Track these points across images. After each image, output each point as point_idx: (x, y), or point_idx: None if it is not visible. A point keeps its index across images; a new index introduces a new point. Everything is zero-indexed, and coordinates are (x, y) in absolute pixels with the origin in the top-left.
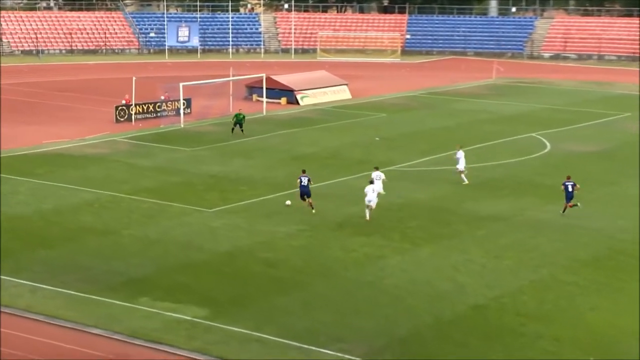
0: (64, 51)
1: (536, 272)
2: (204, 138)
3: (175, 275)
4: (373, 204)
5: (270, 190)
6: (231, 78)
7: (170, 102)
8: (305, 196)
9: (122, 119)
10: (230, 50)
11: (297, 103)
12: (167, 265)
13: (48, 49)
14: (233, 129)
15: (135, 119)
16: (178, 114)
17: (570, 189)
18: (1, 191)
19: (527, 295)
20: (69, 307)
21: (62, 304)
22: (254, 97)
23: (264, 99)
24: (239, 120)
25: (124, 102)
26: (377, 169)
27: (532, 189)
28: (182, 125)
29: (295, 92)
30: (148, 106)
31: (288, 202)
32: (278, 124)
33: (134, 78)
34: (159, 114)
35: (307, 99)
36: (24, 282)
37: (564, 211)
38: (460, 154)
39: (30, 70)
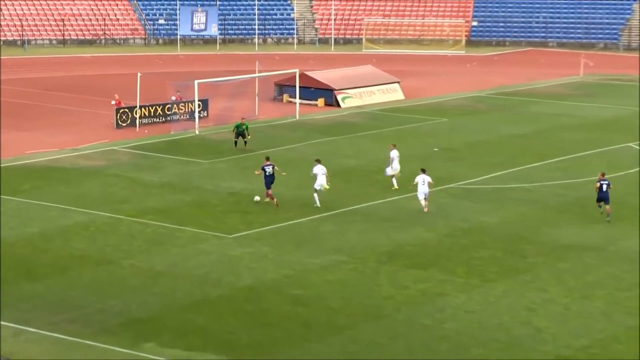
0: (54, 42)
1: (633, 316)
2: (223, 148)
3: (187, 315)
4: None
5: (303, 212)
6: (257, 74)
7: (182, 104)
8: (268, 186)
9: (124, 124)
10: (257, 40)
11: (338, 105)
12: (176, 303)
13: (35, 39)
14: (236, 142)
15: (140, 124)
16: (192, 118)
17: (604, 189)
18: None
19: (623, 344)
20: (58, 354)
21: (49, 350)
22: (285, 97)
23: (297, 100)
24: (240, 132)
25: (113, 102)
26: (424, 171)
27: (629, 213)
28: (196, 132)
29: (335, 92)
30: (156, 108)
31: (257, 198)
32: (314, 131)
33: (139, 74)
34: (168, 118)
35: (350, 100)
36: (6, 323)
37: (602, 213)
38: (394, 154)
39: (14, 65)
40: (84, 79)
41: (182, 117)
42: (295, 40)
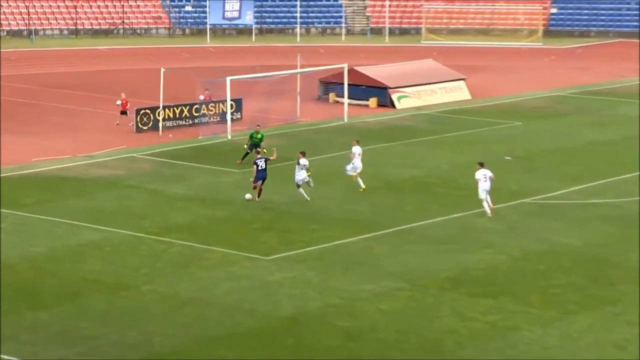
0: (65, 32)
1: None
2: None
3: (217, 349)
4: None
5: (352, 230)
6: (299, 70)
7: (212, 104)
8: (261, 182)
9: (145, 128)
10: (298, 30)
11: (392, 106)
12: (204, 335)
13: (44, 29)
14: (246, 154)
15: (164, 128)
16: (223, 120)
17: None
18: None
19: None
20: None
21: None
22: (331, 96)
23: (346, 100)
24: (255, 143)
25: (119, 102)
26: (482, 165)
27: None
28: (228, 137)
29: (390, 91)
30: (181, 109)
31: (248, 196)
32: (364, 135)
33: (162, 70)
34: (196, 121)
35: (407, 99)
36: (7, 357)
37: None
38: (357, 150)
39: (19, 59)
40: (99, 75)
41: (211, 119)
42: (344, 31)
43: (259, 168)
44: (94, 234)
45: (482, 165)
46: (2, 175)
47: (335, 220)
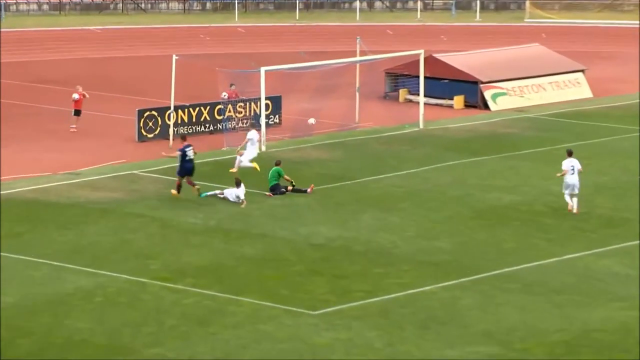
0: (45, 7)
1: None
2: (305, 172)
3: None
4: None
5: (430, 275)
6: (359, 59)
7: (240, 104)
8: (188, 175)
9: (150, 135)
10: (358, 4)
11: (485, 106)
12: None
13: (17, 3)
14: (277, 187)
15: (176, 136)
16: (256, 125)
17: None
18: None
19: None
20: None
21: None
22: (402, 94)
23: (422, 99)
24: (276, 183)
25: (76, 96)
26: (571, 154)
27: None
28: (263, 149)
29: (482, 86)
30: (199, 111)
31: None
32: (446, 147)
33: (174, 57)
34: (219, 126)
35: (505, 98)
36: None
37: None
38: (253, 135)
39: None
40: (89, 65)
41: (240, 124)
42: (419, 5)
43: (187, 158)
44: (83, 279)
45: (570, 154)
46: None
47: (407, 262)
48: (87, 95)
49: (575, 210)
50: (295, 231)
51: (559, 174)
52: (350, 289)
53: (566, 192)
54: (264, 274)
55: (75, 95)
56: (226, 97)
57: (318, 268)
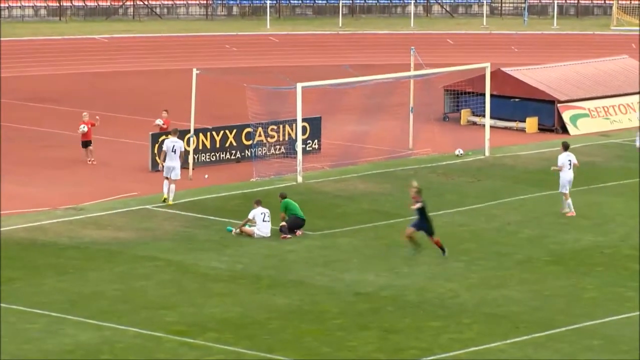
0: (43, 13)
1: None
2: (348, 208)
3: None
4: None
5: (498, 329)
6: (413, 73)
7: (273, 127)
8: None
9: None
10: (412, 9)
11: (564, 130)
12: None
13: (9, 7)
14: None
15: (197, 164)
16: (290, 153)
17: None
18: None
19: None
20: None
21: None
22: (464, 115)
23: (488, 121)
24: (292, 216)
25: (160, 122)
26: (567, 147)
27: None
28: (299, 179)
29: (560, 106)
30: (224, 135)
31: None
32: (517, 177)
33: (194, 71)
34: (247, 153)
35: (587, 121)
36: None
37: None
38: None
39: None
40: (96, 80)
41: (272, 151)
42: (485, 10)
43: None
44: (87, 333)
45: (567, 147)
46: None
47: (469, 314)
48: (98, 122)
49: (570, 213)
50: (338, 278)
51: (554, 168)
52: (402, 345)
53: (564, 190)
54: (301, 329)
55: (84, 128)
56: (161, 123)
57: (364, 321)
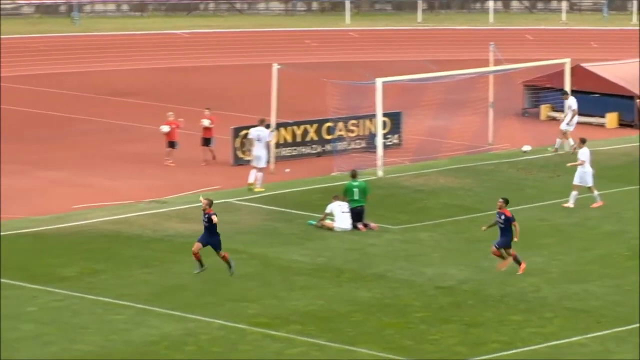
0: (125, 8)
1: None
2: (428, 202)
3: None
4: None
5: (579, 324)
6: (493, 69)
7: (353, 122)
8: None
9: (248, 157)
10: (491, 4)
11: None
12: None
13: (92, 3)
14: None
15: (278, 158)
16: (371, 146)
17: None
18: None
19: None
20: None
21: None
22: (544, 110)
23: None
24: (355, 203)
25: (207, 123)
26: (585, 142)
27: None
28: (379, 174)
29: None
30: (305, 130)
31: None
32: (597, 173)
33: (274, 67)
34: (327, 147)
35: None
36: None
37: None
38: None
39: (54, 49)
40: (177, 75)
41: (352, 145)
42: (565, 5)
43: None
44: (171, 324)
45: (584, 142)
46: (26, 231)
47: (551, 308)
48: (182, 124)
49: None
50: (419, 272)
51: (571, 165)
52: (484, 339)
53: (579, 183)
54: (383, 322)
55: (165, 128)
56: (208, 123)
57: (446, 315)
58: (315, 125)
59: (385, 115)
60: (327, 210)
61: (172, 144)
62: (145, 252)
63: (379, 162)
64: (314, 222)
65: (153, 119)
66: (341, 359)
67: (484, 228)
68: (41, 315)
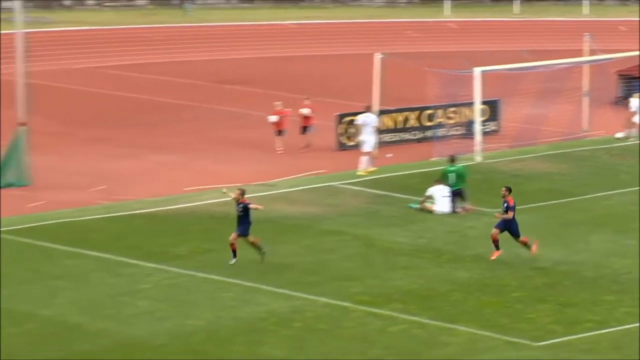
0: (234, 0)
1: None
2: (525, 186)
3: None
4: None
5: None
6: (587, 58)
7: (453, 109)
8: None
9: (351, 143)
10: None
11: None
12: None
13: None
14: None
15: (380, 142)
16: (468, 132)
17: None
18: (123, 286)
19: None
20: None
21: None
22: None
23: None
24: (455, 186)
25: (273, 119)
26: None
27: None
28: (478, 159)
29: None
30: (406, 117)
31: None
32: None
33: (377, 56)
34: (428, 134)
35: None
36: None
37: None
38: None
39: (168, 39)
40: (284, 64)
41: (452, 131)
42: None
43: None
44: (278, 302)
45: None
46: (141, 212)
47: None
48: (290, 112)
49: None
50: (516, 253)
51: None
52: (578, 318)
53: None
54: (481, 301)
55: (273, 117)
56: (308, 112)
57: (542, 295)
58: (416, 113)
59: (483, 103)
60: (428, 193)
61: (280, 132)
62: (253, 233)
63: (478, 147)
64: (414, 205)
65: (260, 106)
66: (441, 336)
67: (497, 215)
68: (155, 292)
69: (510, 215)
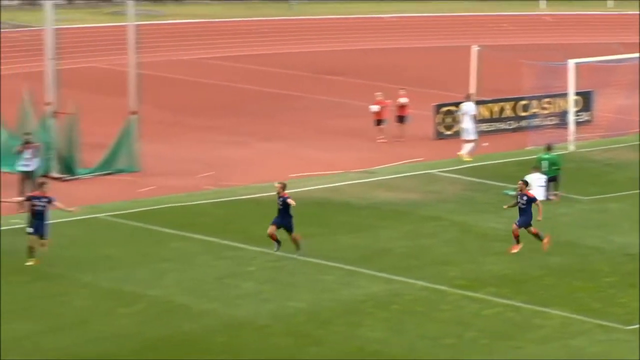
0: None
1: None
2: (615, 176)
3: None
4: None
5: None
6: None
7: (548, 100)
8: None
9: (449, 132)
10: None
11: None
12: None
13: None
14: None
15: (477, 132)
16: (563, 123)
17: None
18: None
19: None
20: None
21: None
22: None
23: None
24: (549, 174)
25: (375, 108)
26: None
27: None
28: (571, 147)
29: None
30: (502, 107)
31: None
32: None
33: (474, 48)
34: (523, 123)
35: None
36: None
37: None
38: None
39: (273, 32)
40: (381, 55)
41: (546, 121)
42: None
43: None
44: (377, 285)
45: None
46: (246, 197)
47: None
48: (389, 103)
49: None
50: (608, 240)
51: None
52: None
53: None
54: (573, 285)
55: (375, 107)
56: (405, 101)
57: (633, 280)
58: (511, 103)
59: (577, 94)
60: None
61: (379, 122)
62: (353, 219)
63: (571, 137)
64: (509, 192)
65: (361, 96)
66: (534, 320)
67: (505, 207)
68: (259, 274)
69: (539, 208)
